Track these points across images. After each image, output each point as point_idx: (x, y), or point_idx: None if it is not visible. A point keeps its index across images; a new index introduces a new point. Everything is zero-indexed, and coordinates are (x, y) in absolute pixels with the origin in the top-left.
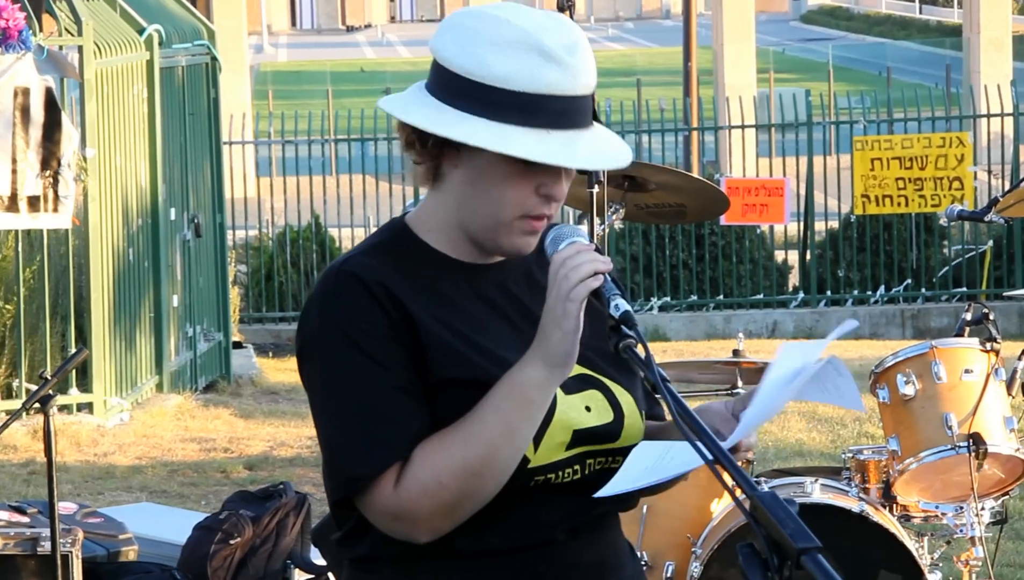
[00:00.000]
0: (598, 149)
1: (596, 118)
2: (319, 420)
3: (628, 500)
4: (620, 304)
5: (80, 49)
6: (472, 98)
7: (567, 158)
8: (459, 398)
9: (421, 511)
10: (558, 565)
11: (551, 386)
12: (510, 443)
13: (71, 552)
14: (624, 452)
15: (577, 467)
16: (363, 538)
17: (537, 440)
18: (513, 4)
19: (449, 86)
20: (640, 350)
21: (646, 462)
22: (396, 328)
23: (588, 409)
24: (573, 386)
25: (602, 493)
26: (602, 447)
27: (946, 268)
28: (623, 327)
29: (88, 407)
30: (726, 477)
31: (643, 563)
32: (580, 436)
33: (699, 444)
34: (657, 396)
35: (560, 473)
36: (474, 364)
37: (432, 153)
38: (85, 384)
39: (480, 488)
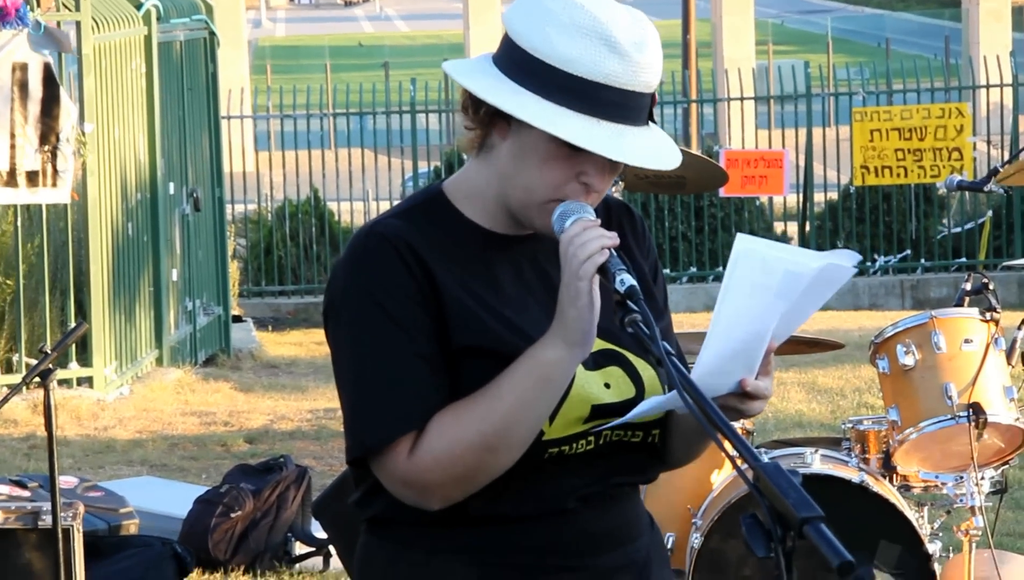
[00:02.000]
0: (645, 147)
1: (652, 119)
2: (341, 380)
3: (647, 472)
4: (625, 279)
5: (78, 24)
6: (532, 75)
7: (611, 149)
8: (479, 367)
9: (434, 481)
10: (569, 533)
11: (571, 365)
12: (526, 420)
13: (72, 526)
14: (643, 426)
15: (592, 438)
16: (378, 498)
17: (553, 414)
18: None
19: (513, 59)
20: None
21: (664, 399)
22: (422, 292)
23: (608, 386)
24: (594, 362)
25: (621, 420)
26: (621, 420)
27: (943, 232)
28: (628, 302)
29: (88, 381)
30: (728, 447)
31: None
32: (599, 411)
33: (702, 415)
34: (660, 369)
35: (574, 445)
36: (496, 334)
37: (483, 121)
38: (85, 358)
39: (493, 462)
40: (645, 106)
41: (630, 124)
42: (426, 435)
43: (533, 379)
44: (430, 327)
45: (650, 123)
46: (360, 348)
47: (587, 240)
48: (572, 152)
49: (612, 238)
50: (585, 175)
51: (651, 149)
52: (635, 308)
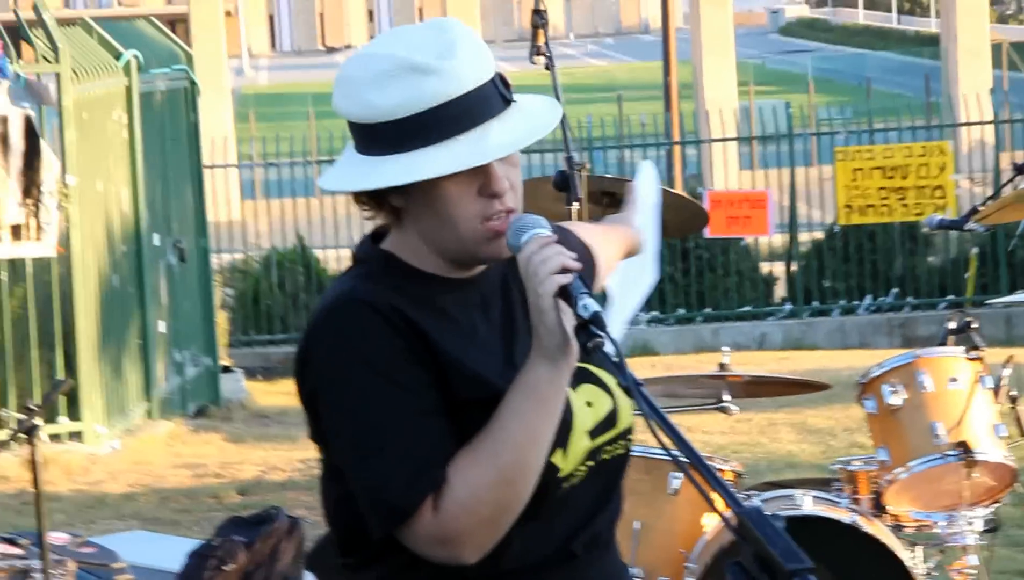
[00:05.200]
0: (513, 130)
1: (508, 101)
2: (351, 456)
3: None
4: (589, 304)
5: (58, 76)
6: (378, 140)
7: (476, 156)
8: (481, 417)
9: (464, 530)
10: None
11: (560, 379)
12: (535, 444)
13: None
14: (623, 435)
15: (590, 463)
16: (377, 565)
17: (565, 447)
18: (391, 31)
19: (360, 137)
20: (610, 349)
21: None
22: (416, 352)
23: (589, 404)
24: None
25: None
26: (609, 436)
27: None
28: (592, 327)
29: (78, 435)
30: (711, 492)
31: None
32: (594, 433)
33: (677, 454)
34: (632, 401)
35: (577, 472)
36: (491, 383)
37: (377, 203)
38: (75, 412)
39: (515, 496)
40: (491, 96)
41: (487, 120)
42: (447, 485)
43: (530, 403)
44: (431, 383)
45: (514, 102)
46: (367, 418)
47: (546, 257)
48: (459, 178)
49: (572, 260)
50: (484, 188)
51: (519, 129)
52: (599, 333)
